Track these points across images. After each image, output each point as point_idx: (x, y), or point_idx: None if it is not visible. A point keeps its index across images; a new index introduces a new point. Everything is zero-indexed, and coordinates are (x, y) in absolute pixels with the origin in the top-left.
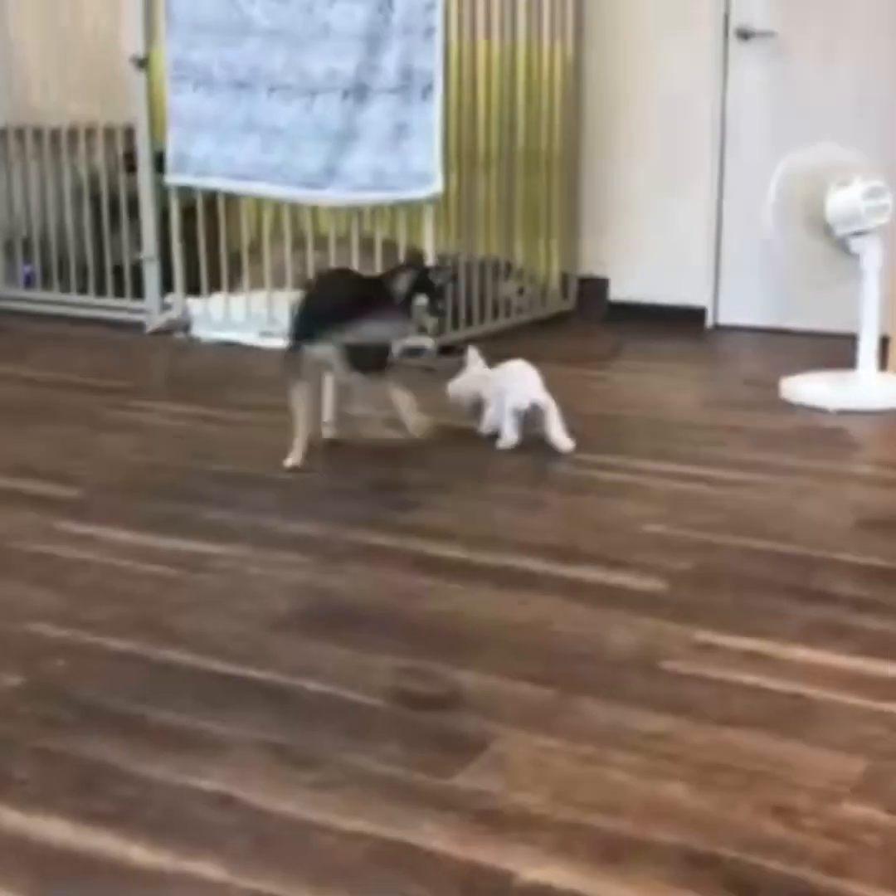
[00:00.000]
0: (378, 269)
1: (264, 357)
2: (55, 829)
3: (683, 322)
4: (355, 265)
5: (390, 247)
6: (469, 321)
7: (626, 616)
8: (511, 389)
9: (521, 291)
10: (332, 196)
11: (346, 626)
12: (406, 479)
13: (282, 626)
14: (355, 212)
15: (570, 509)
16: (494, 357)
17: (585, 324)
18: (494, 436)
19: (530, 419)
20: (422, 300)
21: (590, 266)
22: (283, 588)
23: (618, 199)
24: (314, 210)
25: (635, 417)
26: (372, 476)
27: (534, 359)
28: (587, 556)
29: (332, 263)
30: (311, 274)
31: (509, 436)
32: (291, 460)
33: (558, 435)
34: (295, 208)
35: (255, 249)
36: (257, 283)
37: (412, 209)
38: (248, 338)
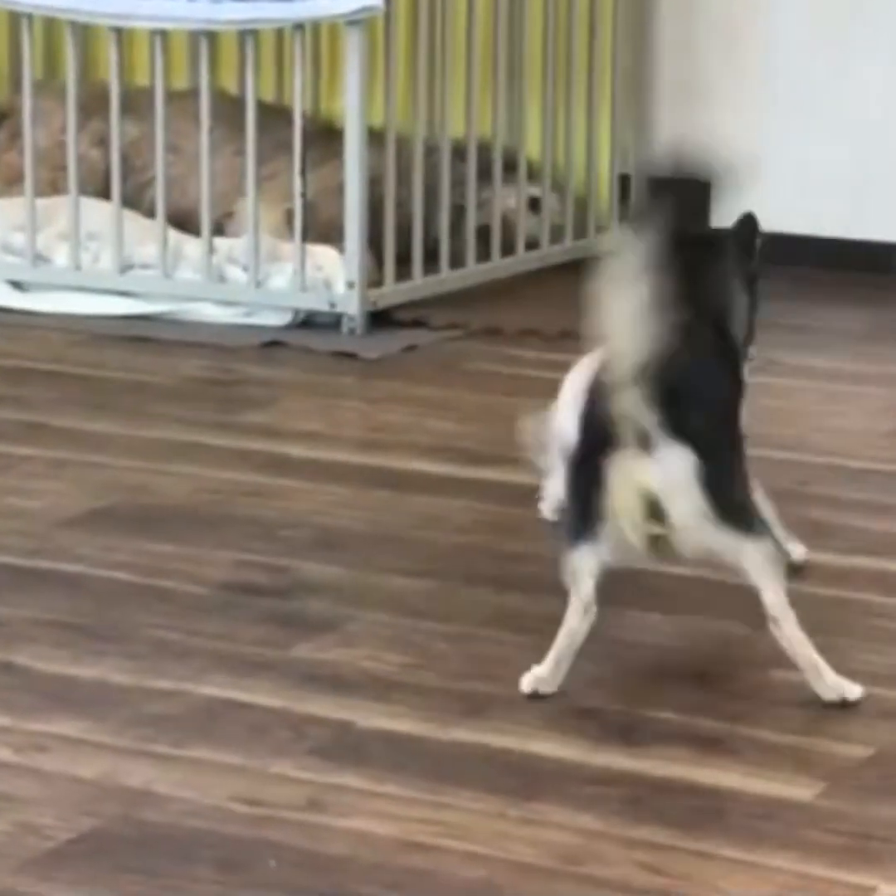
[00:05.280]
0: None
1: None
2: None
3: (860, 271)
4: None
5: (275, 114)
6: (432, 260)
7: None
8: None
9: (534, 205)
10: (160, 11)
11: (167, 523)
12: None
13: (77, 523)
14: (206, 43)
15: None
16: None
17: None
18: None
19: None
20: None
21: None
22: (80, 487)
23: (729, 37)
24: (123, 39)
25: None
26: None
27: (563, 343)
28: (489, 457)
29: (159, 134)
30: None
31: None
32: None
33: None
34: (87, 35)
35: (8, 113)
36: (10, 179)
37: (324, 43)
38: None
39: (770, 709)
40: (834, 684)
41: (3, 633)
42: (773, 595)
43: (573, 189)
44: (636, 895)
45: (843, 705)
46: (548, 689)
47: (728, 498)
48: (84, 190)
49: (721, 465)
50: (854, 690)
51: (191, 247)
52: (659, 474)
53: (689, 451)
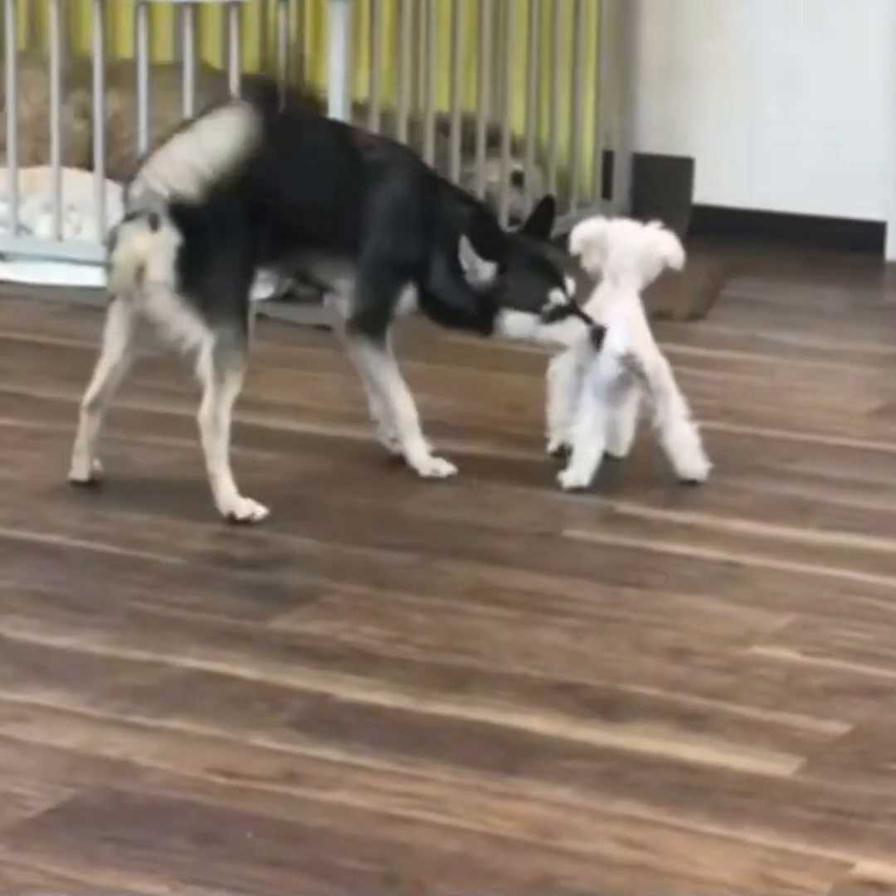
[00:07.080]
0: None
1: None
2: None
3: (841, 249)
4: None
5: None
6: None
7: (533, 491)
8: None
9: (518, 180)
10: None
11: (145, 494)
12: None
13: (56, 494)
14: (190, 15)
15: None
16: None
17: None
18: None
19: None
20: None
21: (657, 137)
22: (59, 457)
23: (712, 16)
24: (107, 10)
25: (747, 438)
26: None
27: None
28: (470, 430)
29: (142, 106)
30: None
31: (584, 443)
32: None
33: (680, 443)
34: (71, 6)
35: None
36: None
37: (308, 16)
38: None
39: (750, 685)
40: (227, 500)
41: None
42: (207, 403)
43: (556, 164)
44: (613, 869)
45: (233, 521)
46: (81, 476)
47: (196, 281)
48: (66, 161)
49: (204, 256)
50: (243, 509)
51: None
52: (148, 243)
53: (176, 233)
